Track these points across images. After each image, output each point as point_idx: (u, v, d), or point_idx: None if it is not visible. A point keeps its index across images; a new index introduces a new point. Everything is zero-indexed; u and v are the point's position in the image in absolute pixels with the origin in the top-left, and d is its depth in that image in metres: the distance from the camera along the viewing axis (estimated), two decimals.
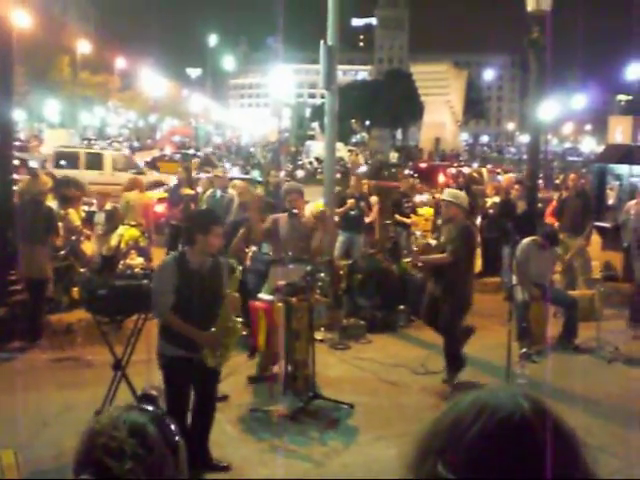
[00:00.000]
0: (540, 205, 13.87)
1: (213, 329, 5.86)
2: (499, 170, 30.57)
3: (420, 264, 9.11)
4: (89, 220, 12.09)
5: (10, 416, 6.98)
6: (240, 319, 6.68)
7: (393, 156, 51.08)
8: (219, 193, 12.55)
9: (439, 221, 12.89)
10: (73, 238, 10.68)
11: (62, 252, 10.66)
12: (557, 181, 26.31)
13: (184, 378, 5.88)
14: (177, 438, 1.67)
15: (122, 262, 10.58)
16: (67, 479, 1.65)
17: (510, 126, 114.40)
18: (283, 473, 6.02)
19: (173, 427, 1.68)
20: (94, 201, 13.00)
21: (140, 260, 10.69)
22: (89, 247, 11.38)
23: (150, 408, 1.72)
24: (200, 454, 6.01)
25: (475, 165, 35.53)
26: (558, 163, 45.79)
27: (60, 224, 10.35)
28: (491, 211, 14.44)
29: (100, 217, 11.56)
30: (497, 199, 14.58)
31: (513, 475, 1.04)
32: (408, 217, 13.75)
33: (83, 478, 1.54)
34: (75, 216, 10.93)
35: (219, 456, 6.30)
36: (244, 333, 7.80)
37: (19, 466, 5.88)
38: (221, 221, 6.42)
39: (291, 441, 6.71)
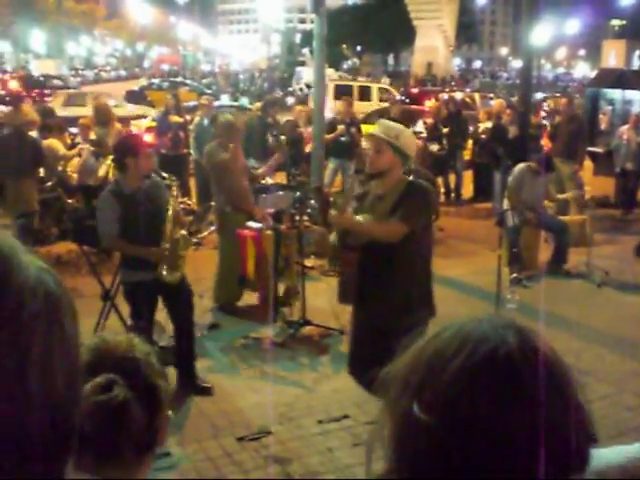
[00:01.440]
0: (532, 131, 13.72)
1: (163, 245, 5.93)
2: (491, 95, 30.22)
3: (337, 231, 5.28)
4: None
5: None
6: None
7: (385, 81, 50.44)
8: (206, 121, 12.39)
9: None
10: (59, 168, 10.55)
11: (49, 183, 10.54)
12: (546, 107, 26.06)
13: (149, 300, 6.02)
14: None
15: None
16: None
17: (503, 51, 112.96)
18: (273, 399, 6.06)
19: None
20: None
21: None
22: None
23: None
24: (188, 378, 6.12)
25: (467, 90, 35.10)
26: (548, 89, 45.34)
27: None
28: (483, 136, 14.32)
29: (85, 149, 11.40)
30: (489, 124, 14.44)
31: (493, 420, 0.94)
32: None
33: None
34: (59, 145, 10.77)
35: (210, 383, 6.35)
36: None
37: None
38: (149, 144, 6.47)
39: (282, 367, 6.75)
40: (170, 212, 6.00)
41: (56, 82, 40.31)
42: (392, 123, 4.95)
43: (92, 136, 10.76)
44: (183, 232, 6.17)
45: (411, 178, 4.95)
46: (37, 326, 0.80)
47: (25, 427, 0.79)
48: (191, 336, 6.35)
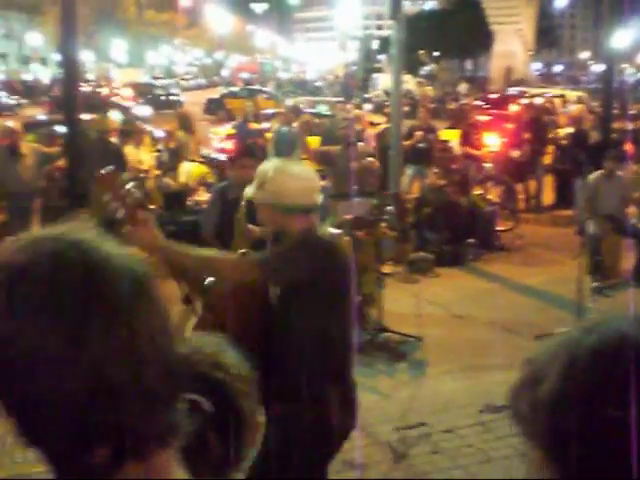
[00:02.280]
0: (615, 135, 13.41)
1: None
2: (573, 99, 29.63)
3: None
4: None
5: None
6: None
7: (463, 87, 49.99)
8: (285, 128, 12.53)
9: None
10: (141, 175, 10.79)
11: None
12: (632, 111, 25.39)
13: None
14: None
15: (190, 198, 10.66)
16: None
17: (584, 55, 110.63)
18: None
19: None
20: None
21: (208, 196, 10.75)
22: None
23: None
24: None
25: (548, 95, 34.47)
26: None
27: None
28: (564, 142, 14.07)
29: (164, 155, 11.64)
30: (570, 130, 14.18)
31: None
32: (477, 149, 13.48)
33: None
34: (142, 152, 11.04)
35: None
36: None
37: None
38: (250, 153, 6.43)
39: (358, 373, 6.72)
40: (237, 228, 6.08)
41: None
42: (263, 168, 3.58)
43: (172, 144, 11.00)
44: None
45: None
46: (133, 301, 0.92)
47: (144, 381, 0.91)
48: None
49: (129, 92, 40.65)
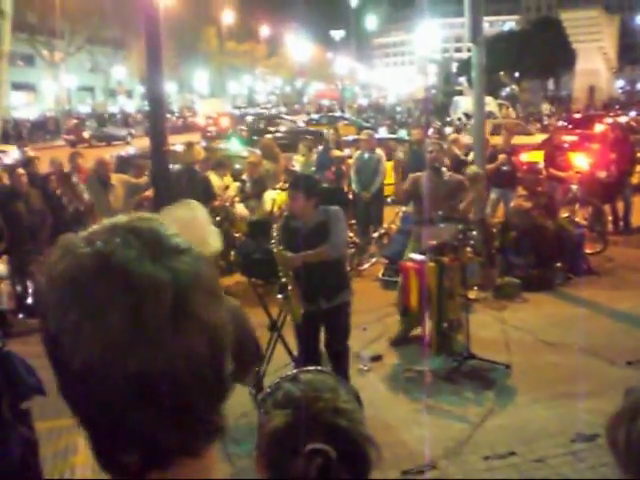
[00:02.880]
0: None
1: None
2: None
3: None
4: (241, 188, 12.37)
5: None
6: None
7: (545, 107, 49.26)
8: (367, 154, 12.57)
9: None
10: (227, 204, 10.99)
11: (218, 218, 11.00)
12: None
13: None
14: (354, 388, 1.64)
15: (275, 226, 10.77)
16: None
17: None
18: (438, 433, 6.00)
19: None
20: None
21: None
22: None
23: (327, 369, 1.68)
24: None
25: (632, 114, 33.67)
26: None
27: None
28: None
29: (248, 185, 11.81)
30: None
31: None
32: (563, 170, 13.24)
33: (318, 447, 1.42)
34: (228, 181, 11.24)
35: (373, 415, 6.37)
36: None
37: None
38: (293, 185, 6.50)
39: (446, 401, 6.68)
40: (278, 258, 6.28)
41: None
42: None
43: (256, 174, 11.15)
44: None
45: None
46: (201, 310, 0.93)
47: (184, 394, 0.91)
48: (345, 365, 6.50)
49: (226, 122, 42.30)
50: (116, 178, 10.18)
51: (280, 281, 6.33)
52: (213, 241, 4.94)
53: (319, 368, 1.65)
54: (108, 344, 0.88)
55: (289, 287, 6.20)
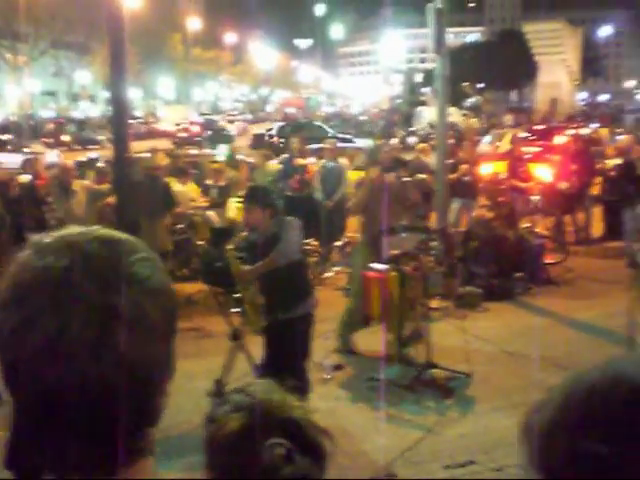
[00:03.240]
0: None
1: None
2: (620, 130, 29.32)
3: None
4: (205, 193, 12.32)
5: None
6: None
7: (508, 119, 49.76)
8: (331, 163, 12.60)
9: None
10: (190, 212, 10.94)
11: (180, 225, 10.95)
12: None
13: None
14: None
15: (239, 234, 10.75)
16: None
17: (630, 83, 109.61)
18: (398, 442, 6.02)
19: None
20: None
21: None
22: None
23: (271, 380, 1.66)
24: None
25: (594, 126, 34.16)
26: None
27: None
28: (612, 173, 13.91)
29: (213, 191, 11.77)
30: (618, 161, 14.01)
31: None
32: (524, 181, 13.37)
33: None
34: (192, 188, 11.19)
35: (333, 424, 6.37)
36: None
37: None
38: (247, 197, 6.45)
39: (407, 410, 6.70)
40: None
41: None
42: None
43: (222, 181, 11.14)
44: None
45: None
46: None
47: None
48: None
49: (197, 128, 42.73)
50: (78, 184, 10.09)
51: (234, 296, 6.30)
52: None
53: (267, 380, 1.65)
54: (32, 354, 0.92)
55: (246, 299, 6.16)
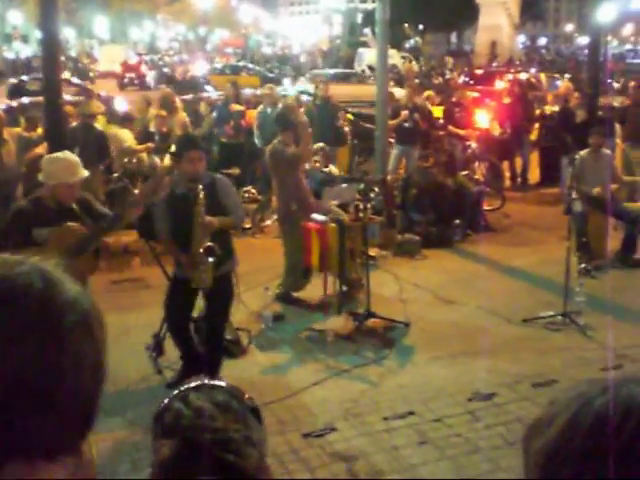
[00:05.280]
0: (601, 113, 13.36)
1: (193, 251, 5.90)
2: (557, 75, 29.55)
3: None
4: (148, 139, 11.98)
5: None
6: None
7: (449, 61, 49.72)
8: (269, 109, 12.40)
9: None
10: (126, 160, 10.67)
11: (116, 174, 10.69)
12: (617, 85, 25.37)
13: (178, 297, 6.17)
14: (252, 401, 1.59)
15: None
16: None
17: (569, 27, 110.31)
18: (338, 394, 6.05)
19: (242, 392, 1.60)
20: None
21: None
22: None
23: (221, 383, 1.62)
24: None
25: (533, 70, 34.36)
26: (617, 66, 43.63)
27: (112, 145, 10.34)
28: (550, 120, 14.01)
29: (157, 138, 11.48)
30: (556, 108, 14.11)
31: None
32: (462, 129, 13.37)
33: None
34: (128, 135, 10.89)
35: (274, 377, 6.38)
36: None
37: None
38: (196, 145, 6.16)
39: (346, 361, 6.72)
40: (196, 221, 5.85)
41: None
42: None
43: (164, 128, 10.87)
44: (209, 244, 5.85)
45: None
46: (75, 332, 1.03)
47: (59, 403, 1.02)
48: (219, 341, 6.36)
49: (145, 68, 41.66)
50: (7, 132, 9.72)
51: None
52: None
53: (213, 383, 1.59)
54: None
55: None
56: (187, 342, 6.30)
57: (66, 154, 5.77)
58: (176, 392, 1.57)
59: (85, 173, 5.63)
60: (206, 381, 1.60)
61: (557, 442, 0.95)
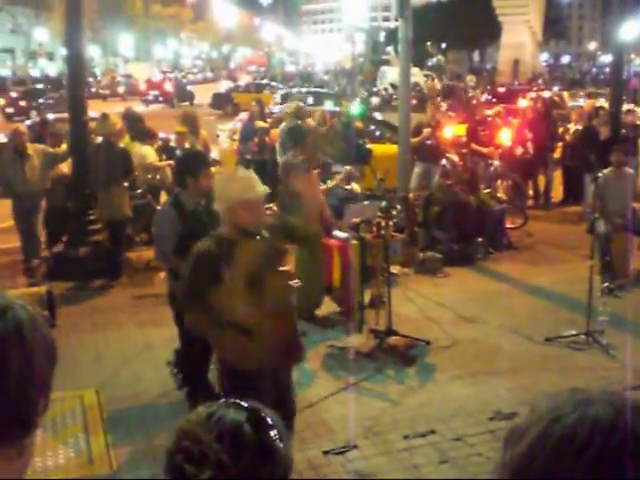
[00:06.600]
0: (624, 131, 13.27)
1: None
2: (582, 93, 29.45)
3: None
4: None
5: (91, 355, 7.17)
6: None
7: (470, 79, 49.71)
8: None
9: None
10: (149, 176, 10.75)
11: (139, 190, 10.76)
12: None
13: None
14: (275, 440, 1.46)
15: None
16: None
17: (592, 45, 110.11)
18: (359, 412, 6.02)
19: (271, 423, 1.47)
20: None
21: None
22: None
23: (246, 404, 1.51)
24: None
25: (555, 88, 34.26)
26: None
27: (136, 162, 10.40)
28: (573, 138, 13.94)
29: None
30: (579, 126, 14.03)
31: None
32: (485, 146, 13.33)
33: None
34: (150, 152, 10.96)
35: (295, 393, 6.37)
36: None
37: (101, 405, 6.05)
38: (209, 162, 6.26)
39: (367, 379, 6.70)
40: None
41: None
42: None
43: (186, 144, 10.93)
44: None
45: None
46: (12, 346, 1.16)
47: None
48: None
49: (168, 86, 41.99)
50: (32, 148, 9.82)
51: None
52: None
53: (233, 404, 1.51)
54: None
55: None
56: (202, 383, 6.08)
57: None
58: (192, 418, 1.49)
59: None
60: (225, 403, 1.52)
61: (524, 458, 0.95)
